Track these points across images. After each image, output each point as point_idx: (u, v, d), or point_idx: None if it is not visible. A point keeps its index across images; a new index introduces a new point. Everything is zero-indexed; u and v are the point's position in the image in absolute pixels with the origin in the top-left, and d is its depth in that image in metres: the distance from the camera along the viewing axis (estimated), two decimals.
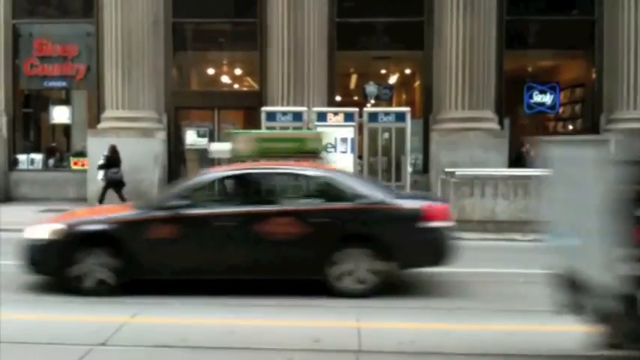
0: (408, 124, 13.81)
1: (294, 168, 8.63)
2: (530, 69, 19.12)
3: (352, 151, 13.70)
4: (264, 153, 9.66)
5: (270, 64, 16.98)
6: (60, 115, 18.31)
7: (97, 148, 16.20)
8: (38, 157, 18.18)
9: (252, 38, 17.70)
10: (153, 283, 7.74)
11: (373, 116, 13.92)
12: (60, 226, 7.85)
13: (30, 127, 19.19)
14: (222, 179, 8.65)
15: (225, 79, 19.82)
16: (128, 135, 16.38)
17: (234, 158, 9.93)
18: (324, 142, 10.47)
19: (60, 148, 18.92)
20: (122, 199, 15.17)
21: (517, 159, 16.90)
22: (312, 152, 9.81)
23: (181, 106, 18.08)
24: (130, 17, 16.44)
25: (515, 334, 6.21)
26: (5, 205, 16.21)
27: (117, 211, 8.56)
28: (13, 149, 18.11)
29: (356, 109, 14.09)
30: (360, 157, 13.90)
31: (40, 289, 7.88)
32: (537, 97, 17.59)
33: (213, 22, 18.43)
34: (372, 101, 18.26)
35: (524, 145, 18.00)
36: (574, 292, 5.02)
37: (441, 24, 16.52)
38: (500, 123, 16.70)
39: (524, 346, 5.90)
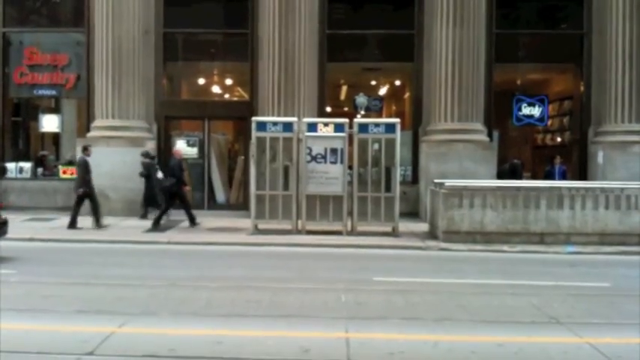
0: (398, 135, 13.83)
1: None
2: (519, 82, 19.26)
3: (342, 161, 13.71)
4: None
5: (260, 75, 17.01)
6: (49, 123, 18.27)
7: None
8: (27, 165, 18.10)
9: (243, 49, 17.74)
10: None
11: (363, 127, 13.93)
12: None
13: (19, 135, 19.12)
14: None
15: (216, 89, 19.83)
16: (118, 144, 16.37)
17: None
18: None
19: (49, 156, 18.85)
20: None
21: (511, 171, 17.00)
22: None
23: (171, 115, 18.07)
24: (121, 27, 16.46)
25: (505, 345, 6.23)
26: None
27: None
28: (2, 157, 18.03)
29: (346, 120, 14.12)
30: (350, 167, 13.91)
31: None
32: (526, 110, 17.69)
33: (205, 32, 18.46)
34: (362, 112, 18.32)
35: (517, 158, 18.11)
36: None
37: (430, 36, 16.63)
38: (489, 135, 16.79)
39: (513, 357, 5.92)
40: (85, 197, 14.58)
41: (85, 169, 14.57)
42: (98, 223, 14.47)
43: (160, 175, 15.56)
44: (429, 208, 14.47)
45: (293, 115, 15.34)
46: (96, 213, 14.55)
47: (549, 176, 16.85)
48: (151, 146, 17.08)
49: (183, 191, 15.03)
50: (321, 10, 17.19)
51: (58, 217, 15.54)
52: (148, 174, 15.80)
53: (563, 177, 16.79)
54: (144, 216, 15.82)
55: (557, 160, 17.08)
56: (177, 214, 15.94)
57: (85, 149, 14.88)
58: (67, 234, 13.61)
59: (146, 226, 14.55)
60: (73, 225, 14.26)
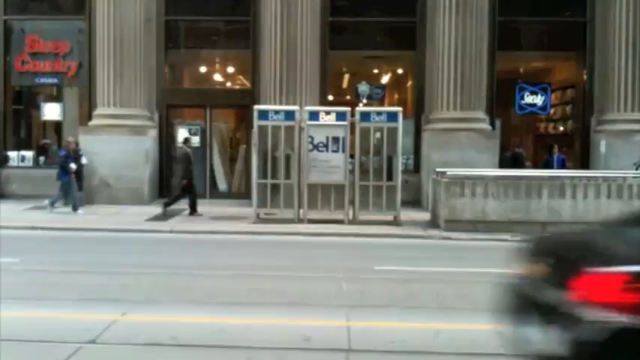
0: (400, 123, 13.80)
1: None
2: (521, 70, 19.20)
3: (344, 150, 13.69)
4: None
5: (262, 63, 16.97)
6: (51, 112, 18.24)
7: (88, 146, 16.14)
8: (29, 154, 18.10)
9: (244, 37, 17.69)
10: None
11: (365, 116, 13.90)
12: None
13: (21, 124, 19.10)
14: None
15: (218, 77, 19.79)
16: (120, 132, 16.35)
17: None
18: None
19: (51, 145, 18.84)
20: None
21: (513, 160, 16.99)
22: None
23: (173, 104, 18.04)
24: (123, 14, 16.39)
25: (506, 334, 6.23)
26: None
27: None
28: (4, 146, 18.03)
29: (348, 109, 14.08)
30: (352, 156, 13.90)
31: None
32: (528, 98, 17.65)
33: (206, 20, 18.39)
34: (365, 101, 18.28)
35: (519, 147, 18.09)
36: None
37: (433, 24, 16.56)
38: (492, 123, 16.76)
39: None
40: (188, 188, 14.89)
41: (188, 160, 14.92)
42: (195, 212, 14.79)
43: (84, 161, 15.49)
44: (430, 196, 14.45)
45: (295, 104, 15.31)
46: (194, 203, 14.87)
47: (548, 165, 16.84)
48: (152, 134, 17.11)
49: None
50: None
51: (60, 206, 15.54)
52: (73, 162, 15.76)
53: (562, 166, 16.78)
54: (52, 204, 15.66)
55: (556, 149, 17.07)
56: (181, 203, 15.94)
57: (187, 141, 15.36)
58: (68, 222, 13.61)
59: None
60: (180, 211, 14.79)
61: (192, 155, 15.17)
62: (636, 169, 14.72)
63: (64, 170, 14.78)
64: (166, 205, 14.84)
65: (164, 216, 14.48)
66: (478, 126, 16.18)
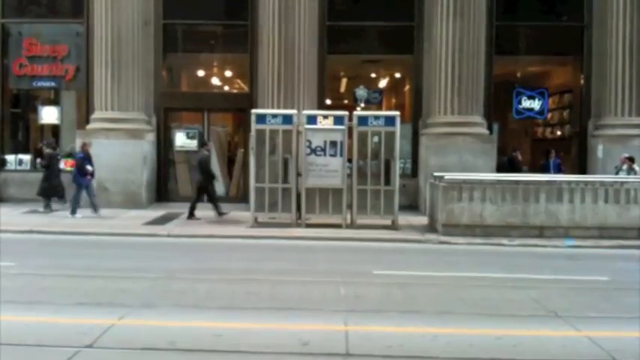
0: (398, 128, 13.81)
1: None
2: (519, 74, 19.23)
3: (342, 154, 13.69)
4: None
5: (260, 67, 16.98)
6: (49, 115, 18.23)
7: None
8: (26, 157, 18.09)
9: (242, 40, 17.70)
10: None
11: (363, 120, 13.91)
12: None
13: (18, 127, 19.08)
14: None
15: (216, 80, 19.79)
16: (117, 136, 16.35)
17: None
18: None
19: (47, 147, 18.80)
20: None
21: (510, 163, 17.01)
22: None
23: (171, 107, 18.04)
24: (120, 18, 16.40)
25: (503, 338, 6.24)
26: None
27: None
28: (2, 149, 18.00)
29: (346, 113, 14.09)
30: (350, 160, 13.90)
31: None
32: (526, 103, 17.69)
33: (204, 23, 18.40)
34: (362, 105, 18.29)
35: (515, 150, 18.11)
36: None
37: (431, 29, 16.59)
38: (489, 128, 16.79)
39: (512, 350, 5.93)
40: (205, 190, 15.14)
41: (207, 163, 15.30)
42: (193, 216, 14.91)
43: (62, 165, 15.49)
44: (428, 201, 14.47)
45: (292, 108, 15.32)
46: (193, 208, 14.99)
47: (544, 170, 16.88)
48: (150, 138, 17.10)
49: None
50: (321, 2, 17.14)
51: (57, 209, 15.54)
52: (48, 164, 15.74)
53: (559, 170, 16.82)
54: (47, 206, 15.64)
55: (552, 154, 17.12)
56: (179, 207, 15.95)
57: (205, 144, 15.81)
58: (66, 226, 13.59)
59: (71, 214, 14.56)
60: (190, 216, 14.95)
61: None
62: (616, 173, 14.80)
63: (81, 172, 14.78)
64: (217, 209, 15.01)
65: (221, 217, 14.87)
66: (476, 130, 16.21)
